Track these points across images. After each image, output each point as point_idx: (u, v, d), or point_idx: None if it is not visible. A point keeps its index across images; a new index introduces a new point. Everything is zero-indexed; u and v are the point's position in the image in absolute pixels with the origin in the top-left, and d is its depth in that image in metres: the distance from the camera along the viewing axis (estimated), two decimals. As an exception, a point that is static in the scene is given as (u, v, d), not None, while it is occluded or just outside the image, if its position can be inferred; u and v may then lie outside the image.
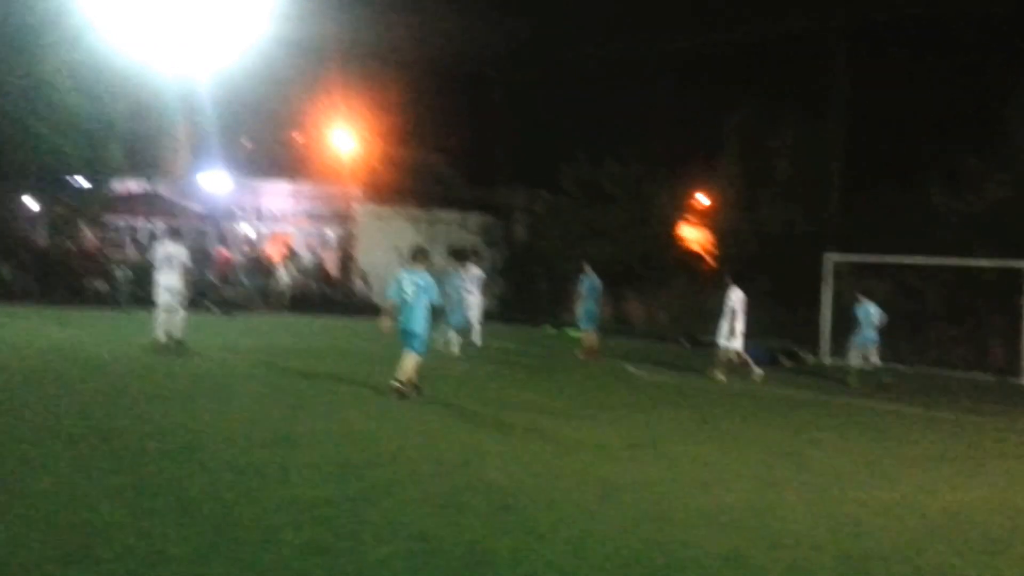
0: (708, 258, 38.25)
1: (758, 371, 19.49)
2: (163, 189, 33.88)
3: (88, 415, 10.49)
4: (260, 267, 31.99)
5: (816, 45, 35.89)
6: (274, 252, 34.77)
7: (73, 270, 27.68)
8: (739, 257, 34.35)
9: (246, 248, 34.68)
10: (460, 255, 24.09)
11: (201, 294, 26.25)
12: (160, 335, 17.52)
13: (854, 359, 20.85)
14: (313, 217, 38.07)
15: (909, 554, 7.26)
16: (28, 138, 24.93)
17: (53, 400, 11.35)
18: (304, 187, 36.71)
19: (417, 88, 39.36)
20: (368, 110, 39.23)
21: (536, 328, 30.96)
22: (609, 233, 34.89)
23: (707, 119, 37.81)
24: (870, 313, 20.76)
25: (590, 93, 41.03)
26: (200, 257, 27.76)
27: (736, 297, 19.39)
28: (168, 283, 17.60)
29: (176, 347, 17.34)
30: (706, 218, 40.12)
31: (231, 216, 35.70)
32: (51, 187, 27.99)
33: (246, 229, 36.18)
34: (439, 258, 23.45)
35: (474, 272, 22.60)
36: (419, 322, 13.52)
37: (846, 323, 22.31)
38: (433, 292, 13.72)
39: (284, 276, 30.84)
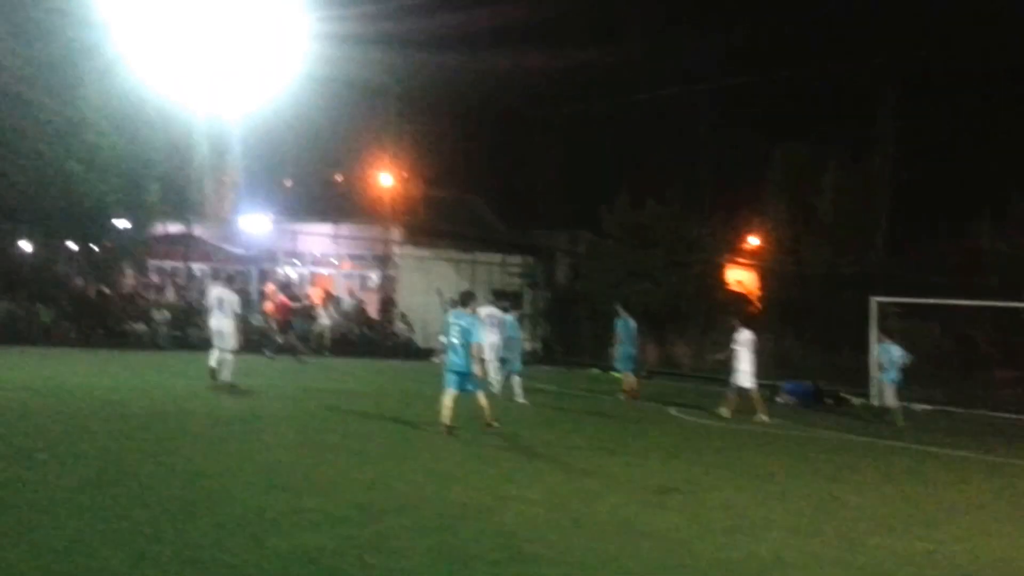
0: (754, 300, 37.85)
1: (764, 418, 19.12)
2: (202, 231, 33.83)
3: (108, 457, 10.33)
4: (302, 310, 31.90)
5: (863, 86, 35.66)
6: (315, 295, 34.73)
7: (112, 313, 27.69)
8: (784, 299, 34.02)
9: (289, 291, 34.60)
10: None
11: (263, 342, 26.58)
12: (214, 366, 17.87)
13: (889, 399, 20.70)
14: (354, 259, 38.06)
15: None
16: (64, 179, 24.90)
17: (87, 438, 11.21)
18: (344, 229, 36.64)
19: (458, 129, 39.50)
20: (409, 151, 39.31)
21: (582, 370, 30.51)
22: (652, 274, 34.59)
23: (752, 160, 37.58)
24: (892, 354, 20.71)
25: (633, 134, 40.93)
26: (249, 301, 27.85)
27: (744, 338, 19.52)
28: (219, 327, 17.90)
29: (226, 387, 17.49)
30: (752, 260, 39.76)
31: (272, 259, 35.73)
32: (92, 230, 27.96)
33: (287, 272, 36.19)
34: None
35: (486, 313, 22.08)
36: (467, 363, 13.89)
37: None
38: (473, 333, 13.99)
39: (324, 319, 30.70)
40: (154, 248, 32.16)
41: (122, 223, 28.18)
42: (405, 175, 40.02)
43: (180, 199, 29.68)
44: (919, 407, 24.40)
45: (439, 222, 38.95)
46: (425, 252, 36.63)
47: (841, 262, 32.52)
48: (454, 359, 13.96)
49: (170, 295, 30.99)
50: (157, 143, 26.64)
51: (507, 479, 10.75)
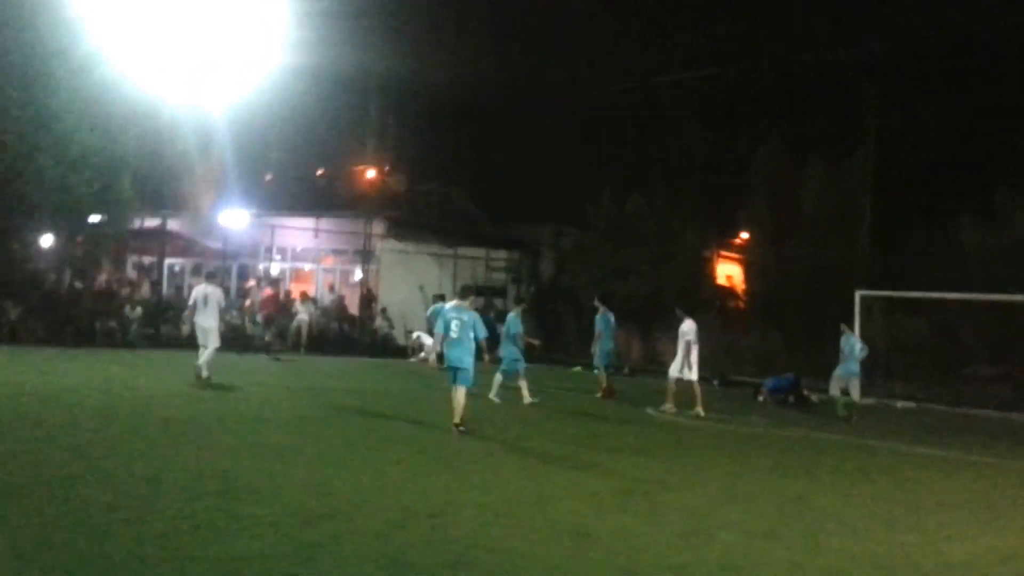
0: (739, 295, 37.58)
1: (700, 411, 18.87)
2: (179, 226, 33.43)
3: (40, 463, 10.00)
4: (283, 305, 31.35)
5: (845, 80, 35.43)
6: (294, 290, 34.28)
7: (83, 310, 27.21)
8: (769, 294, 33.74)
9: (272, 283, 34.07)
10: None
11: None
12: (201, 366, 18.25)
13: (833, 389, 20.96)
14: (335, 254, 37.68)
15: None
16: (35, 173, 24.55)
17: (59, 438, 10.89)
18: (325, 223, 36.18)
19: (442, 123, 39.16)
20: (392, 145, 38.96)
21: (565, 368, 29.98)
22: (637, 270, 34.24)
23: (735, 155, 37.29)
24: (853, 346, 20.71)
25: (617, 128, 40.66)
26: (229, 297, 27.61)
27: (689, 328, 19.24)
28: (204, 323, 18.48)
29: (204, 385, 17.82)
30: (736, 254, 39.49)
31: (252, 253, 35.30)
32: (66, 224, 27.53)
33: (268, 267, 35.73)
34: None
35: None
36: (465, 358, 14.07)
37: (876, 360, 22.05)
38: (479, 329, 14.27)
39: (303, 314, 30.09)
40: (130, 243, 31.70)
41: (96, 218, 27.69)
42: (387, 168, 39.66)
43: (156, 193, 29.35)
44: (901, 404, 24.19)
45: (422, 216, 38.60)
46: (408, 246, 36.22)
47: (825, 256, 32.18)
48: (454, 353, 14.09)
49: (145, 291, 30.47)
50: (131, 136, 26.24)
51: (463, 483, 10.42)
